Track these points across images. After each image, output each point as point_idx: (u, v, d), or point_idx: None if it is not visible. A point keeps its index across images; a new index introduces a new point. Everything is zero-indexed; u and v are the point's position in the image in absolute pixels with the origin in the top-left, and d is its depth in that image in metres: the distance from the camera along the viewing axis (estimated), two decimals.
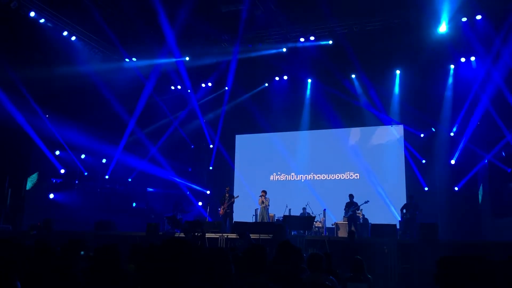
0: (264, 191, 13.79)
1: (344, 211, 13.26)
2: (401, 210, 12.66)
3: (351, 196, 13.28)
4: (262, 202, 13.65)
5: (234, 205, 13.75)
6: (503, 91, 12.35)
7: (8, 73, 11.86)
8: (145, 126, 16.33)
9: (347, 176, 15.63)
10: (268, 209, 13.70)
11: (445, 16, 11.62)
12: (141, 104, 15.26)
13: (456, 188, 13.69)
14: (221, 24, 12.79)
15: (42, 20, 12.15)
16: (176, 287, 2.39)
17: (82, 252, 4.28)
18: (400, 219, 12.81)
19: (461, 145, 13.56)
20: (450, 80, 13.89)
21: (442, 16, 11.62)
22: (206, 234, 10.85)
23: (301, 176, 16.25)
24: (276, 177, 16.58)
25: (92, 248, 4.26)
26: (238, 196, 13.68)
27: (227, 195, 13.67)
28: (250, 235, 9.96)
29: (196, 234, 10.10)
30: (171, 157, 17.22)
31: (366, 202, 12.99)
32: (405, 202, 12.99)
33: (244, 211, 14.23)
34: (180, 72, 14.98)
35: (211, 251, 3.06)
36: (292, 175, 16.43)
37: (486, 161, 13.30)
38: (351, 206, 12.96)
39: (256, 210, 14.46)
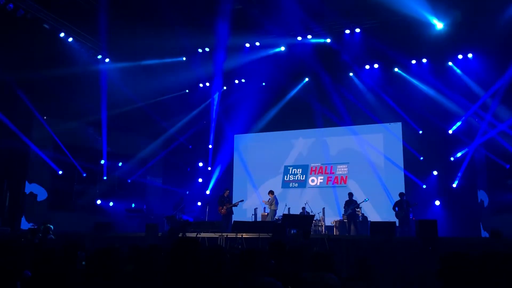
0: (271, 192, 13.71)
1: (343, 209, 13.30)
2: (393, 208, 12.65)
3: (350, 195, 13.30)
4: (271, 204, 13.56)
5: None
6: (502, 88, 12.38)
7: (4, 75, 11.82)
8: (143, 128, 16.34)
9: (347, 175, 15.62)
10: (274, 211, 13.57)
11: (432, 17, 11.65)
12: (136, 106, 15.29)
13: (454, 185, 13.71)
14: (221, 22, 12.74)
15: (39, 22, 12.11)
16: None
17: (83, 255, 4.26)
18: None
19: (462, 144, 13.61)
20: (448, 76, 13.86)
21: (433, 15, 11.64)
22: (206, 234, 10.86)
23: (299, 176, 16.24)
24: (276, 176, 16.53)
25: (91, 250, 4.24)
26: (242, 200, 13.74)
27: (225, 195, 13.72)
28: (250, 234, 9.95)
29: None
30: (169, 158, 17.29)
31: (365, 201, 13.01)
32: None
33: (243, 210, 14.23)
34: (181, 72, 14.99)
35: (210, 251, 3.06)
36: (291, 174, 16.42)
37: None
38: (351, 205, 12.99)
39: (255, 209, 14.46)
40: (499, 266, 2.43)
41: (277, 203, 13.65)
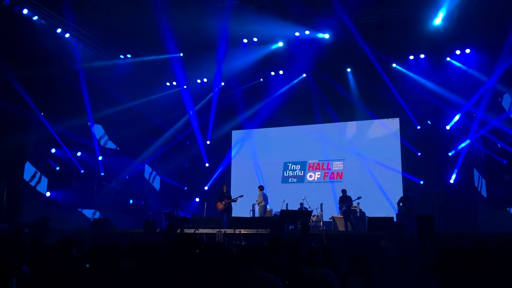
0: (260, 187, 13.81)
1: (338, 205, 13.36)
2: (398, 203, 12.76)
3: (343, 191, 13.33)
4: (260, 201, 13.64)
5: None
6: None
7: (2, 72, 11.76)
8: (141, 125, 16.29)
9: (343, 170, 15.64)
10: (263, 207, 13.64)
11: (443, 9, 11.61)
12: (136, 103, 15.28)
13: (451, 181, 13.74)
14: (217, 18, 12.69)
15: (35, 18, 12.04)
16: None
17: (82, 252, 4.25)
18: (397, 212, 12.89)
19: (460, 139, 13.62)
20: (446, 72, 13.85)
21: (440, 9, 11.59)
22: (204, 230, 10.88)
23: (298, 171, 16.26)
24: (273, 172, 16.54)
25: (89, 247, 4.24)
26: (242, 195, 13.72)
27: (224, 191, 13.73)
28: (248, 230, 9.93)
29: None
30: (167, 154, 17.28)
31: (358, 198, 13.04)
32: (402, 195, 13.09)
33: (241, 206, 14.22)
34: (176, 68, 14.93)
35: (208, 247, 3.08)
36: (290, 170, 16.43)
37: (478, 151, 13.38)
38: (345, 201, 13.02)
39: (253, 205, 14.47)
40: (495, 260, 2.45)
41: (265, 199, 13.73)
